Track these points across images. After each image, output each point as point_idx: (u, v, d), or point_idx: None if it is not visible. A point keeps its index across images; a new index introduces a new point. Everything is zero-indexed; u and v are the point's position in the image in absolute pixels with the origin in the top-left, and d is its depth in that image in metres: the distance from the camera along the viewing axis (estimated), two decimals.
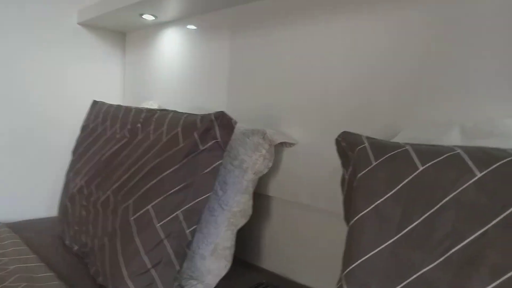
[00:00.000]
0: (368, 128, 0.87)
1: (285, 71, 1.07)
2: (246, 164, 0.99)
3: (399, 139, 0.75)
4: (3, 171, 1.48)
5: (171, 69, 1.48)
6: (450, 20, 0.75)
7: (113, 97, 1.73)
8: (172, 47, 1.47)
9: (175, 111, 1.06)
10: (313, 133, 1.00)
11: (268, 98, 1.12)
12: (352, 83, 0.91)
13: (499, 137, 0.62)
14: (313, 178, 1.00)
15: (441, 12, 0.76)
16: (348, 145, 0.66)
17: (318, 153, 0.98)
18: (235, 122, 0.90)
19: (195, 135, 0.90)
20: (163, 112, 1.08)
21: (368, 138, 0.63)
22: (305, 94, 1.02)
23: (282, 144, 1.05)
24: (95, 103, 1.40)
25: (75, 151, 1.32)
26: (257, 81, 1.15)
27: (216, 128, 0.89)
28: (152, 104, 1.51)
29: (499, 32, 0.69)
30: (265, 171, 1.01)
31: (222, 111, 0.90)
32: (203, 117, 0.92)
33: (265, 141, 1.01)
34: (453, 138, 0.68)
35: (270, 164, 1.01)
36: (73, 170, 1.26)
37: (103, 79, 1.69)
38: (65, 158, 1.59)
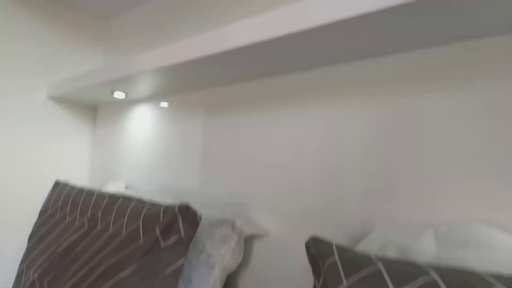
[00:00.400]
0: (340, 221, 0.82)
1: (258, 158, 1.04)
2: (213, 259, 0.92)
3: (371, 240, 0.71)
4: None
5: (142, 146, 1.43)
6: (420, 118, 0.74)
7: (81, 174, 1.65)
8: (144, 124, 1.44)
9: (138, 199, 1.00)
10: (285, 223, 0.95)
11: (239, 183, 1.07)
12: (323, 174, 0.88)
13: (474, 247, 0.58)
14: (286, 274, 0.92)
15: (412, 110, 0.75)
16: (317, 253, 0.61)
17: (290, 246, 0.92)
18: (200, 217, 0.84)
19: (157, 230, 0.83)
20: (126, 200, 1.01)
21: (338, 248, 0.58)
22: (276, 182, 0.98)
23: (253, 236, 0.99)
24: (57, 184, 1.32)
25: (31, 238, 1.22)
26: (230, 165, 1.11)
27: (180, 222, 0.83)
28: (119, 184, 1.44)
29: (469, 134, 0.68)
30: (234, 267, 0.93)
31: (186, 203, 0.84)
32: (166, 209, 0.86)
33: (234, 232, 0.94)
34: (427, 244, 0.64)
35: (240, 259, 0.94)
36: (27, 260, 1.15)
37: (72, 154, 1.63)
38: (23, 241, 1.48)
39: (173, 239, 0.82)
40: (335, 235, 0.84)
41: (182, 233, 0.83)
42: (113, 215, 0.97)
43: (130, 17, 1.62)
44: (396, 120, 0.77)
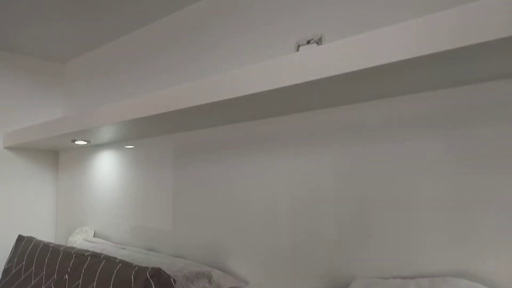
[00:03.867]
0: (317, 266, 0.81)
1: (231, 202, 1.01)
2: None
3: None
4: None
5: (108, 190, 1.38)
6: (395, 164, 0.74)
7: (46, 221, 1.57)
8: (109, 168, 1.39)
9: (107, 259, 0.95)
10: (264, 270, 0.93)
11: (212, 227, 1.04)
12: (295, 219, 0.87)
13: None
14: None
15: (386, 153, 0.76)
16: None
17: None
18: (175, 281, 0.81)
19: None
20: (94, 259, 0.96)
21: None
22: (251, 227, 0.96)
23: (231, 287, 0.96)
24: (20, 239, 1.25)
25: None
26: (202, 209, 1.08)
27: (152, 286, 0.80)
28: (88, 232, 1.38)
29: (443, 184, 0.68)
30: None
31: (158, 268, 0.81)
32: (138, 273, 0.83)
33: (211, 286, 0.92)
34: None
35: None
36: None
37: (35, 201, 1.55)
38: None
39: None
40: (313, 280, 0.83)
41: None
42: (81, 279, 0.92)
43: (87, 59, 1.57)
44: (371, 165, 0.77)
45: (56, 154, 1.63)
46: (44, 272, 1.04)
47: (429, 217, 0.69)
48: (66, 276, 0.97)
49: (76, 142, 1.29)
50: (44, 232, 1.57)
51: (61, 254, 1.06)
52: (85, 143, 1.32)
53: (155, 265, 0.99)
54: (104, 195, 1.40)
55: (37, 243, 1.18)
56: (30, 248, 1.17)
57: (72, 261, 1.00)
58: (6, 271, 1.19)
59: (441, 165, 0.68)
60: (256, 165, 0.96)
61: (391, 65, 0.53)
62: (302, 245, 0.85)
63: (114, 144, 1.38)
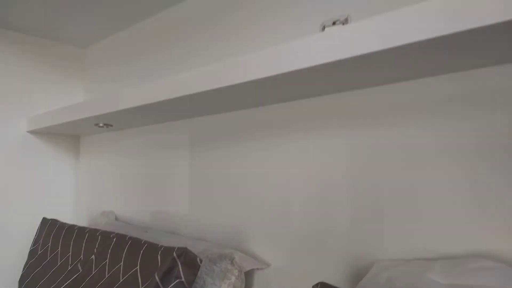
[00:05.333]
0: (335, 252, 0.82)
1: (245, 185, 1.02)
2: None
3: (374, 276, 0.70)
4: None
5: (129, 174, 1.40)
6: (407, 149, 0.73)
7: (66, 205, 1.60)
8: (130, 152, 1.40)
9: (132, 239, 0.96)
10: (285, 254, 0.94)
11: (230, 211, 1.05)
12: (311, 203, 0.87)
13: (481, 277, 0.58)
14: None
15: (401, 138, 0.75)
16: None
17: (291, 279, 0.91)
18: (201, 260, 0.82)
19: (156, 276, 0.80)
20: (120, 240, 0.98)
21: None
22: (269, 212, 0.96)
23: (253, 270, 0.97)
24: (44, 221, 1.28)
25: (22, 280, 1.18)
26: (219, 193, 1.08)
27: (180, 267, 0.81)
28: (109, 215, 1.40)
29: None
30: None
31: (185, 248, 0.82)
32: (164, 253, 0.84)
33: (234, 267, 0.92)
34: (434, 281, 0.63)
35: None
36: None
37: (55, 186, 1.58)
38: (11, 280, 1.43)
39: (174, 285, 0.80)
40: (334, 263, 0.83)
41: (183, 278, 0.80)
42: (107, 259, 0.94)
43: (108, 44, 1.57)
44: (381, 149, 0.76)
45: (78, 139, 1.66)
46: (71, 253, 1.06)
47: (447, 199, 0.68)
48: (93, 256, 0.99)
49: (99, 125, 1.30)
50: (65, 214, 1.60)
51: (86, 236, 1.08)
52: (107, 127, 1.33)
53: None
54: (125, 179, 1.42)
55: (62, 225, 1.20)
56: (55, 230, 1.20)
57: (98, 242, 1.02)
58: (32, 252, 1.21)
59: (457, 149, 0.67)
60: (273, 149, 0.96)
61: (418, 43, 0.52)
62: (321, 229, 0.86)
63: (135, 128, 1.39)
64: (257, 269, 0.98)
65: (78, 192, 1.64)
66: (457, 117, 0.69)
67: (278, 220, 0.95)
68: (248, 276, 0.99)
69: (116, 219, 1.43)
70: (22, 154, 1.48)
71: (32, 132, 1.50)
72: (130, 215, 1.38)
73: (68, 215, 1.61)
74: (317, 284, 0.65)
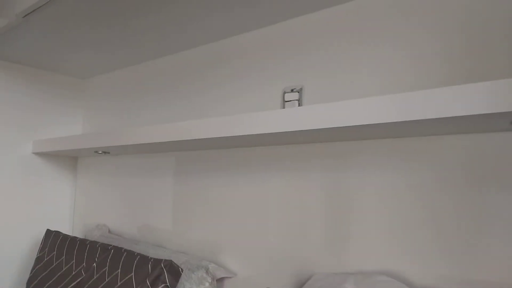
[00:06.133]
0: (289, 267, 1.08)
1: (225, 206, 1.28)
2: None
3: (310, 285, 0.97)
4: None
5: (121, 193, 1.64)
6: (354, 189, 1.01)
7: (64, 218, 1.83)
8: (123, 172, 1.64)
9: (127, 251, 1.21)
10: (251, 266, 1.20)
11: (210, 230, 1.31)
12: (285, 223, 1.14)
13: None
14: None
15: (350, 182, 1.02)
16: None
17: (253, 285, 1.17)
18: (182, 270, 1.08)
19: (147, 281, 1.05)
20: (116, 252, 1.22)
21: None
22: (244, 231, 1.22)
23: (224, 278, 1.23)
24: (49, 232, 1.51)
25: (29, 282, 1.40)
26: (200, 214, 1.34)
27: (165, 275, 1.06)
28: (103, 229, 1.64)
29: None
30: None
31: (170, 260, 1.08)
32: (154, 263, 1.09)
33: (208, 275, 1.18)
34: (351, 285, 0.90)
35: None
36: None
37: (55, 200, 1.80)
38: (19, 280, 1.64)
39: (160, 287, 1.05)
40: (286, 276, 1.09)
41: (168, 283, 1.05)
42: (107, 267, 1.18)
43: (107, 79, 1.82)
44: (340, 188, 1.04)
45: (76, 160, 1.89)
46: (74, 260, 1.30)
47: (373, 229, 0.96)
48: (94, 264, 1.23)
49: (98, 152, 1.55)
50: (64, 225, 1.82)
51: (87, 247, 1.31)
52: (105, 154, 1.58)
53: (165, 258, 1.25)
54: (117, 197, 1.66)
55: (65, 236, 1.43)
56: (59, 240, 1.43)
57: (98, 252, 1.26)
58: (39, 258, 1.44)
59: (384, 193, 0.95)
60: (250, 182, 1.22)
61: (352, 127, 0.80)
62: (283, 248, 1.12)
63: (129, 155, 1.63)
64: (227, 277, 1.24)
65: (74, 207, 1.87)
66: (391, 170, 0.97)
67: (249, 239, 1.21)
68: (219, 283, 1.24)
69: (109, 232, 1.66)
70: (27, 171, 1.71)
71: (36, 153, 1.73)
72: (121, 229, 1.62)
73: (66, 227, 1.83)
74: None
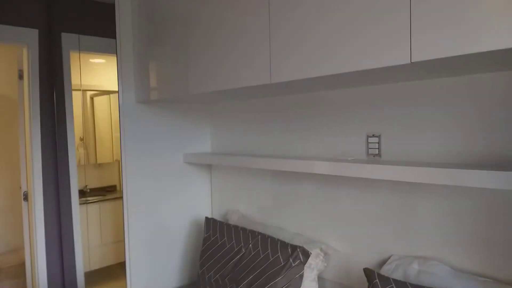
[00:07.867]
0: (375, 249, 1.75)
1: (335, 211, 1.96)
2: (313, 265, 1.88)
3: (392, 265, 1.63)
4: (151, 257, 2.39)
5: (248, 188, 2.37)
6: None
7: (206, 208, 2.64)
8: (247, 174, 2.37)
9: (270, 238, 1.93)
10: (349, 246, 1.88)
11: (320, 221, 2.00)
12: (371, 223, 1.80)
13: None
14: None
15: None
16: (368, 278, 1.54)
17: (350, 259, 1.87)
18: (311, 253, 1.79)
19: (290, 259, 1.78)
20: (262, 237, 1.96)
21: (378, 275, 1.51)
22: (345, 225, 1.90)
23: (330, 254, 1.94)
24: (208, 219, 2.30)
25: (203, 253, 2.21)
26: (313, 212, 2.03)
27: (300, 255, 1.78)
28: (237, 212, 2.40)
29: None
30: (322, 269, 1.89)
31: (302, 246, 1.79)
32: (292, 248, 1.81)
33: (321, 251, 1.89)
34: (436, 270, 1.56)
35: (324, 266, 1.89)
36: (205, 266, 2.16)
37: (199, 195, 2.61)
38: (182, 247, 2.50)
39: (297, 262, 1.77)
40: (377, 255, 1.77)
41: (302, 260, 1.78)
42: (259, 247, 1.93)
43: (226, 107, 2.49)
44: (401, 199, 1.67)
45: (210, 166, 2.66)
46: (234, 241, 2.07)
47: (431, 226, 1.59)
48: (250, 245, 1.99)
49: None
50: (207, 213, 2.64)
51: (241, 231, 2.07)
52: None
53: (291, 241, 1.98)
54: (245, 190, 2.39)
55: (222, 223, 2.21)
56: (218, 226, 2.21)
57: (249, 236, 2.01)
58: (206, 238, 2.24)
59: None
60: (348, 195, 1.88)
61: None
62: (371, 234, 1.79)
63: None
64: (333, 253, 1.94)
65: (212, 199, 2.67)
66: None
67: (351, 228, 1.89)
68: (327, 256, 1.95)
69: (243, 217, 2.43)
70: (181, 175, 2.50)
71: (186, 163, 2.50)
72: (252, 216, 2.37)
73: (208, 212, 2.65)
74: (365, 270, 1.59)
